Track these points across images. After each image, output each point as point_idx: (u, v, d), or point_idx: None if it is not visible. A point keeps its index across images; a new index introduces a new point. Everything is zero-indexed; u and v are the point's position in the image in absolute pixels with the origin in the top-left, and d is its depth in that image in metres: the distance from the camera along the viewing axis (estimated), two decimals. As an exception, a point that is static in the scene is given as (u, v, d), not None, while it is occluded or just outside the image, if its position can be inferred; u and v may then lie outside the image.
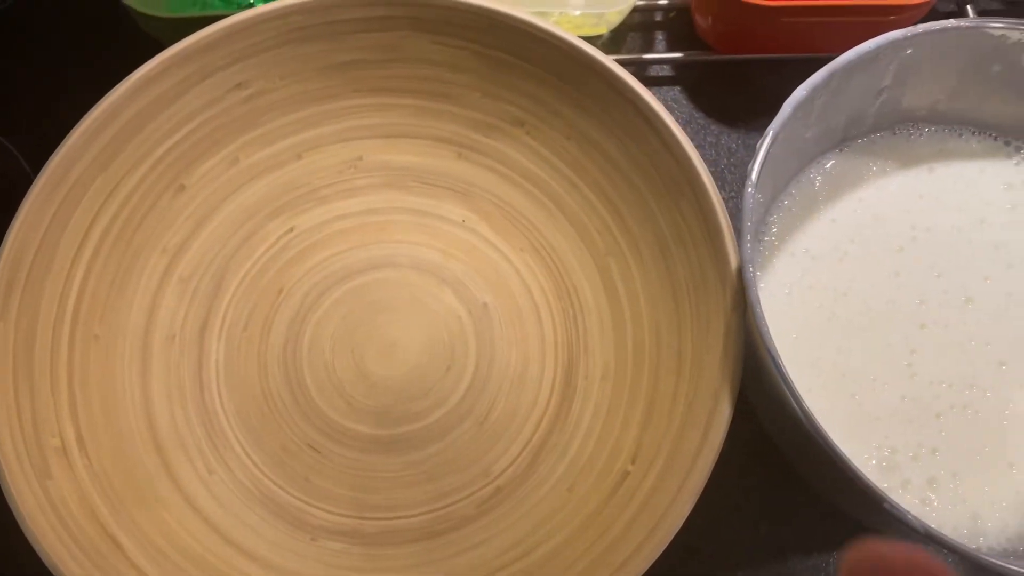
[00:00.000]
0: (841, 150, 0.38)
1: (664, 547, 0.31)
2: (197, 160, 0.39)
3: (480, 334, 0.40)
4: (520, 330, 0.40)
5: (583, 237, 0.40)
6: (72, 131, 0.35)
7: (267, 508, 0.37)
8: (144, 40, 0.44)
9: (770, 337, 0.28)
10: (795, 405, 0.27)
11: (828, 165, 0.38)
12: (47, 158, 0.35)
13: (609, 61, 0.37)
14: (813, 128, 0.35)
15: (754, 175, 0.31)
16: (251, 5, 0.44)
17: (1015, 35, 0.34)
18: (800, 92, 0.32)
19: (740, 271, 0.32)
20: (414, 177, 0.42)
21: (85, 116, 0.35)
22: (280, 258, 0.41)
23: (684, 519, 0.31)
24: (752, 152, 0.46)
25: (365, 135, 0.42)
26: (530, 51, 0.38)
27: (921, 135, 0.38)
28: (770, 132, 0.31)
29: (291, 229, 0.41)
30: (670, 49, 0.48)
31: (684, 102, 0.47)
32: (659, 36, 0.49)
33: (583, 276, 0.40)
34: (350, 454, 0.38)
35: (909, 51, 0.34)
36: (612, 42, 0.48)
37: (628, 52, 0.48)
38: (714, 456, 0.31)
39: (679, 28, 0.48)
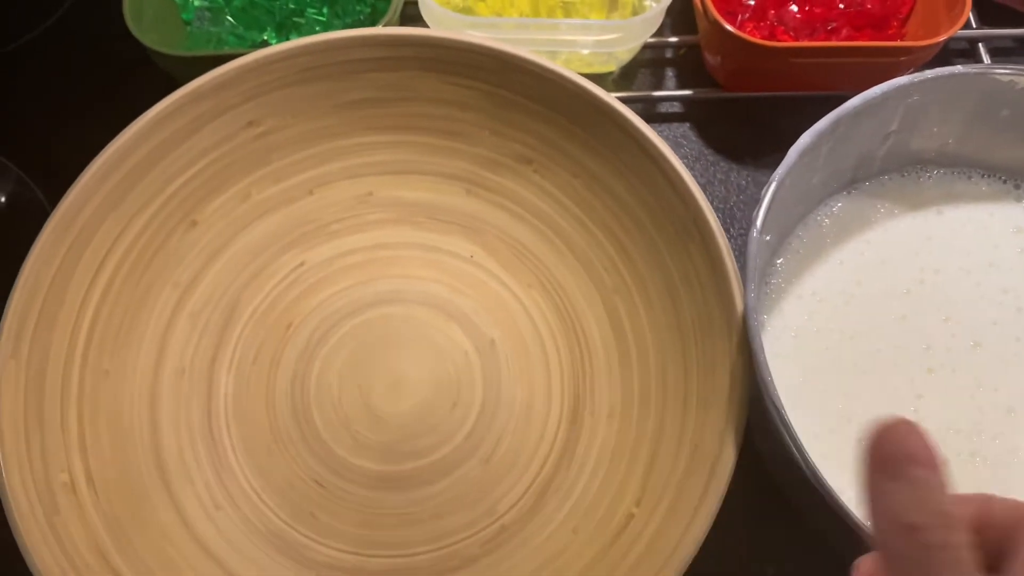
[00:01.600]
0: (849, 192, 0.38)
1: (667, 593, 0.30)
2: (209, 196, 0.40)
3: (487, 370, 0.40)
4: (527, 367, 0.40)
5: (591, 275, 0.41)
6: (86, 169, 0.36)
7: (272, 544, 0.37)
8: (160, 76, 0.45)
9: (774, 387, 0.28)
10: (799, 457, 0.27)
11: (836, 207, 0.38)
12: (63, 191, 0.35)
13: (615, 102, 0.37)
14: (820, 172, 0.35)
15: (759, 222, 0.31)
16: (266, 44, 0.45)
17: (1023, 81, 0.34)
18: (805, 139, 0.32)
19: (745, 317, 0.32)
20: (424, 213, 0.43)
21: (99, 154, 0.36)
22: (290, 293, 0.41)
23: (688, 564, 0.31)
24: (762, 188, 0.46)
25: (375, 171, 0.42)
26: (538, 91, 0.39)
27: (930, 177, 0.38)
28: (775, 179, 0.31)
29: (302, 264, 0.42)
30: (680, 86, 0.48)
31: (693, 139, 0.47)
32: (669, 73, 0.49)
33: (590, 314, 0.40)
34: (356, 490, 0.38)
35: (916, 97, 0.34)
36: (623, 79, 0.48)
37: (638, 89, 0.48)
38: (718, 501, 0.31)
39: (689, 65, 0.49)
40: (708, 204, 0.35)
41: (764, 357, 0.29)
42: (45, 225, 0.35)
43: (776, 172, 0.31)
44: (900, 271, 0.37)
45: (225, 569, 0.36)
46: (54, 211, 0.35)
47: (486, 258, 0.42)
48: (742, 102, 0.47)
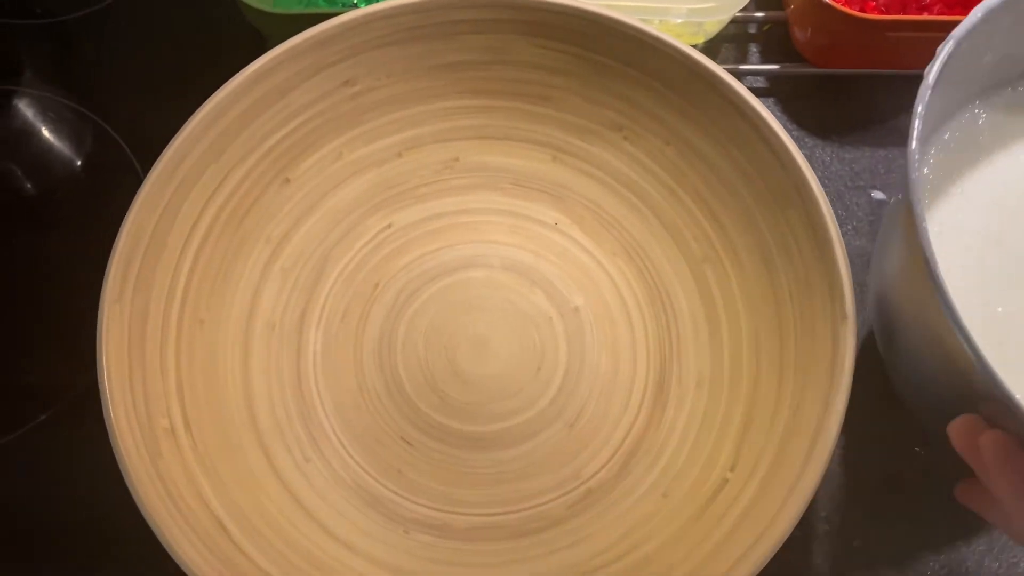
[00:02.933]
0: (1016, 88, 0.35)
1: (770, 556, 0.30)
2: (303, 154, 0.40)
3: (571, 337, 0.40)
4: (611, 334, 0.40)
5: (678, 243, 0.40)
6: (189, 120, 0.36)
7: (361, 498, 0.37)
8: (248, 35, 0.45)
9: (942, 280, 0.26)
10: (963, 341, 0.25)
11: (999, 101, 0.35)
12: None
13: (718, 68, 0.37)
14: (993, 52, 0.32)
15: (931, 77, 0.28)
16: (355, 5, 0.45)
17: None
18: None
19: (911, 207, 0.28)
20: (509, 179, 0.43)
21: (202, 106, 0.36)
22: (377, 253, 0.41)
23: (792, 528, 0.30)
24: (847, 165, 0.46)
25: (464, 136, 0.42)
26: (634, 56, 0.39)
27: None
28: (953, 38, 0.29)
29: (389, 225, 0.42)
30: (764, 61, 0.48)
31: (777, 114, 0.47)
32: (753, 48, 0.49)
33: (677, 282, 0.40)
34: (441, 448, 0.38)
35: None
36: (706, 52, 0.48)
37: (722, 63, 0.48)
38: (822, 468, 0.31)
39: (774, 41, 0.48)
40: (811, 170, 0.35)
41: (933, 255, 0.26)
42: (148, 173, 0.35)
43: (955, 31, 0.29)
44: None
45: (315, 520, 0.36)
46: (158, 159, 0.35)
47: (570, 226, 0.42)
48: (827, 79, 0.47)
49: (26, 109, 0.49)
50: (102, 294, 0.33)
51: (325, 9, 0.44)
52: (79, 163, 0.47)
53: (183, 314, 0.36)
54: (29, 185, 0.47)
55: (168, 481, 0.32)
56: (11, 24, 0.49)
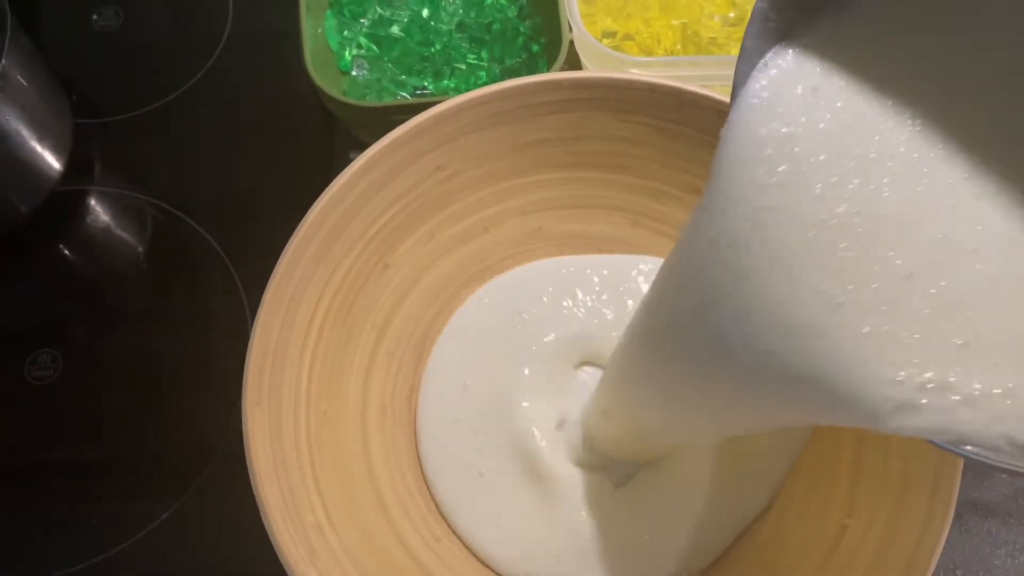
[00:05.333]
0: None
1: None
2: (400, 239, 0.41)
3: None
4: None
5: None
6: (300, 224, 0.37)
7: (493, 572, 0.38)
8: (318, 116, 0.46)
9: None
10: None
11: None
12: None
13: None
14: None
15: None
16: (425, 90, 0.47)
17: None
18: None
19: None
20: (590, 244, 0.44)
21: (314, 205, 0.37)
22: (475, 328, 0.43)
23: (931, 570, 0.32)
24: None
25: (545, 207, 0.44)
26: (710, 124, 0.40)
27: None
28: None
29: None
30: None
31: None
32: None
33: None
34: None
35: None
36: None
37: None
38: (950, 504, 0.33)
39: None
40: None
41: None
42: (269, 283, 0.36)
43: None
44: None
45: (456, 598, 0.37)
46: (275, 270, 0.36)
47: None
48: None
49: (98, 206, 0.50)
50: (243, 399, 0.34)
51: (394, 102, 0.45)
52: (165, 257, 0.48)
53: (309, 408, 0.37)
54: (107, 280, 0.48)
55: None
56: (82, 124, 0.50)
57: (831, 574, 0.36)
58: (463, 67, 0.45)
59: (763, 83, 0.25)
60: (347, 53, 0.46)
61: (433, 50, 0.46)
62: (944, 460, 0.34)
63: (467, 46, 0.45)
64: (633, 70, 0.43)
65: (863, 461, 0.37)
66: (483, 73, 0.45)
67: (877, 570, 0.34)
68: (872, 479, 0.36)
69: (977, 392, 0.22)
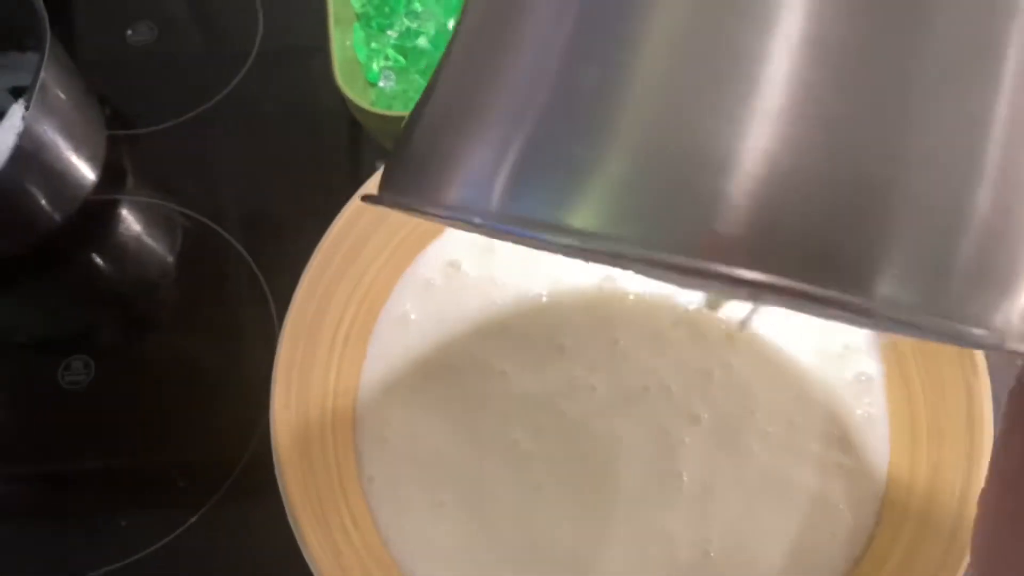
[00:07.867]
0: None
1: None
2: (424, 243, 0.42)
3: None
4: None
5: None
6: (329, 229, 0.38)
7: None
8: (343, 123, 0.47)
9: None
10: None
11: None
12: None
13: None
14: None
15: None
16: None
17: None
18: None
19: None
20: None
21: (342, 210, 0.38)
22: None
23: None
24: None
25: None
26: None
27: None
28: None
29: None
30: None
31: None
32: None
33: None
34: None
35: None
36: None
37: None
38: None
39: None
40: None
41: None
42: (297, 287, 0.37)
43: None
44: None
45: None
46: (302, 277, 0.37)
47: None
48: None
49: (129, 215, 0.51)
50: (271, 402, 0.35)
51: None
52: (194, 264, 0.49)
53: (335, 410, 0.38)
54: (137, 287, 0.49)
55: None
56: (115, 135, 0.51)
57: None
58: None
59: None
60: (375, 65, 0.47)
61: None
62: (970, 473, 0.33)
63: (492, 57, 0.46)
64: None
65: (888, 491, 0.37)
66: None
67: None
68: (896, 504, 0.36)
69: None
